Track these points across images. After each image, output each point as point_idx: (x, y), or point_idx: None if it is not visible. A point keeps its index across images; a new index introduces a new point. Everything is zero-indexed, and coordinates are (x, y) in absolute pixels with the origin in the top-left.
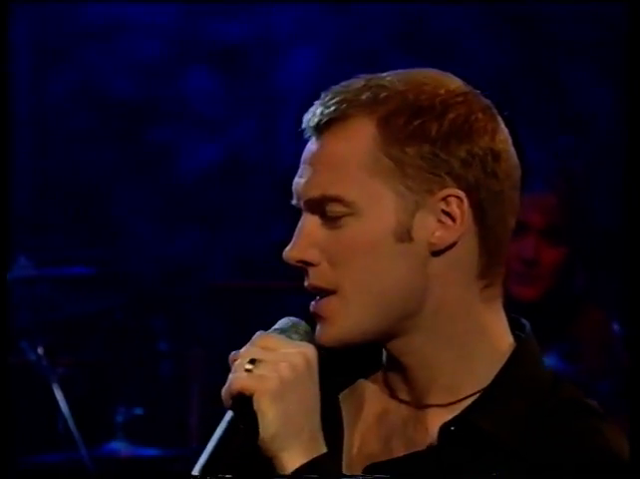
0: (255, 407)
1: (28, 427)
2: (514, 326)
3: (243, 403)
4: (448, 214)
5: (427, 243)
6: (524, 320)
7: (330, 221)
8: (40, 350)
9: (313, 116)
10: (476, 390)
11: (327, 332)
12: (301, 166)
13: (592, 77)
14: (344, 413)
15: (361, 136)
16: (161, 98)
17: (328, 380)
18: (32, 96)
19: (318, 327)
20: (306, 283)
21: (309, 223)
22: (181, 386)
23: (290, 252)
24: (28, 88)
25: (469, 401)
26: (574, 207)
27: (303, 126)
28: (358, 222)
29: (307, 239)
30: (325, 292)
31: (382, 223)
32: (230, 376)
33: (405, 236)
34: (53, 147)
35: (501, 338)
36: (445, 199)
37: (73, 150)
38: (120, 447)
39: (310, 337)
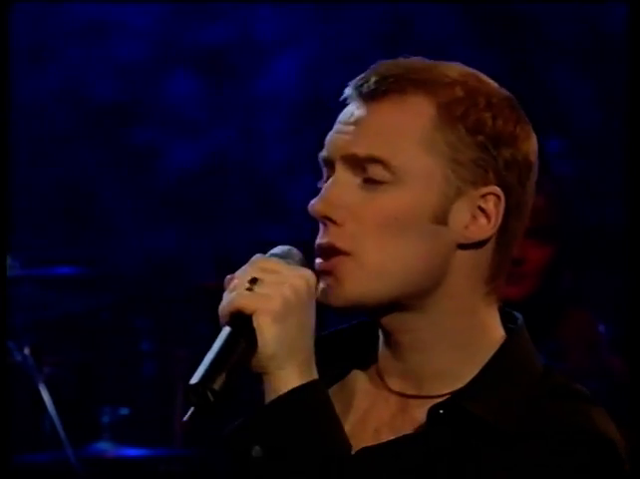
0: (255, 325)
1: (14, 427)
2: (508, 320)
3: (242, 321)
4: (483, 211)
5: (458, 234)
6: (518, 314)
7: (367, 183)
8: (26, 350)
9: (366, 82)
10: (465, 383)
11: (337, 292)
12: (341, 125)
13: (577, 78)
14: (335, 406)
15: (419, 113)
16: (145, 100)
17: (320, 372)
18: (15, 95)
19: (323, 285)
20: (322, 240)
21: (342, 180)
22: (166, 386)
23: (318, 206)
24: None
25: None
26: (562, 208)
27: (348, 90)
28: (398, 191)
29: (337, 197)
30: (340, 253)
31: (422, 198)
32: (229, 294)
33: (441, 218)
34: (37, 147)
35: (494, 334)
36: (485, 195)
37: (57, 150)
38: (105, 447)
39: (305, 265)
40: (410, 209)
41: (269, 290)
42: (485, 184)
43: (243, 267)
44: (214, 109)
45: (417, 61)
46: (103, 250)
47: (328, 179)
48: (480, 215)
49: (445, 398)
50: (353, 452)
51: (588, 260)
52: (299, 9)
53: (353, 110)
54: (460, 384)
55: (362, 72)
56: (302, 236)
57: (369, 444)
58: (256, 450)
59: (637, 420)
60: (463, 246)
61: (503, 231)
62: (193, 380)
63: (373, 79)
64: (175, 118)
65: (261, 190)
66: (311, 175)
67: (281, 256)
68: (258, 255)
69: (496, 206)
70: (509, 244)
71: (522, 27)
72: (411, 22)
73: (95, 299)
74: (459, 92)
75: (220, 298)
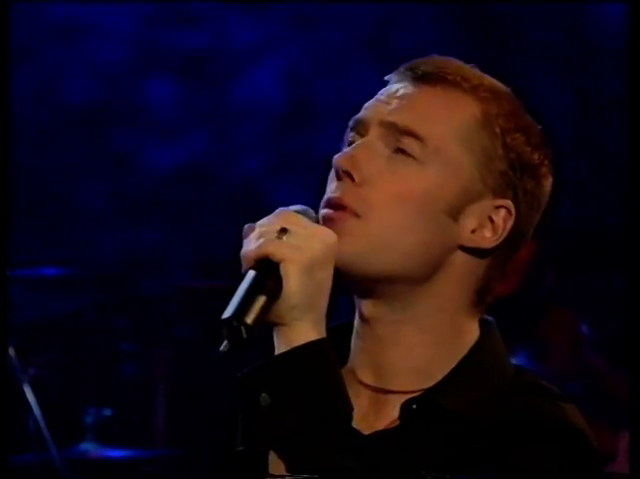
0: (282, 273)
1: None
2: (481, 324)
3: (268, 267)
4: (492, 221)
5: (463, 235)
6: (490, 318)
7: (396, 154)
8: (11, 351)
9: (421, 67)
10: (437, 380)
11: (341, 245)
12: (384, 96)
13: (552, 79)
14: None
15: (465, 110)
16: (124, 102)
17: None
18: None
19: None
20: (334, 194)
21: (373, 146)
22: (149, 387)
23: (343, 160)
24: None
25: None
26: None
27: (395, 73)
28: (423, 171)
29: (364, 158)
30: (349, 212)
31: (444, 186)
32: (255, 240)
33: (454, 213)
34: (16, 148)
35: (469, 337)
36: (499, 207)
37: (37, 151)
38: (89, 448)
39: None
40: (429, 191)
41: (300, 242)
42: (503, 197)
43: (267, 217)
44: (193, 113)
45: (469, 66)
46: (84, 251)
47: (351, 143)
48: (487, 224)
49: (417, 394)
50: None
51: (573, 262)
52: (278, 16)
53: (400, 87)
54: (432, 381)
55: (339, 78)
56: None
57: None
58: (264, 398)
59: (637, 419)
60: (462, 249)
61: (500, 251)
62: (226, 314)
63: (430, 65)
64: (155, 121)
65: (240, 191)
66: (289, 176)
67: (301, 212)
68: (282, 208)
69: (505, 221)
70: (501, 267)
71: (498, 27)
72: (390, 27)
73: (78, 300)
74: (506, 107)
75: (202, 299)
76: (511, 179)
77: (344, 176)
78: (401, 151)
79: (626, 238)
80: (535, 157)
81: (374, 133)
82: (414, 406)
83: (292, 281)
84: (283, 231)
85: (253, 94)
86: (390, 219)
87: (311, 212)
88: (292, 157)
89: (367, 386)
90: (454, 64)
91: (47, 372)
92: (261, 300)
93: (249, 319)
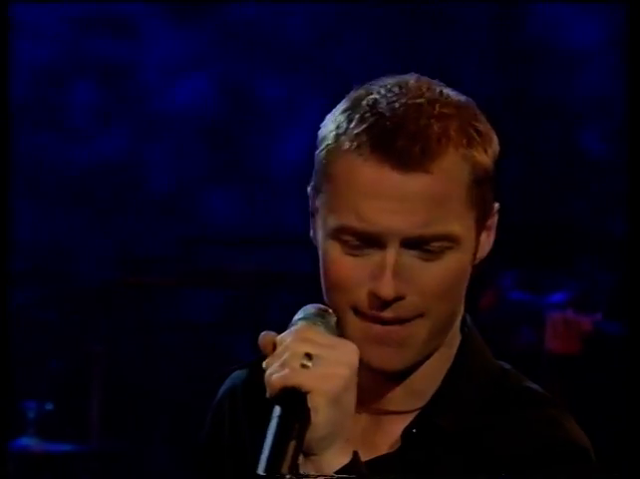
0: (311, 406)
1: None
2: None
3: (294, 398)
4: (488, 228)
5: (477, 258)
6: (466, 315)
7: (429, 254)
8: None
9: (398, 146)
10: (431, 393)
11: (400, 357)
12: (385, 202)
13: (492, 76)
14: None
15: (458, 171)
16: (45, 103)
17: None
18: None
19: (380, 352)
20: (389, 315)
21: (401, 259)
22: (84, 382)
23: (389, 293)
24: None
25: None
26: None
27: (381, 151)
28: (456, 254)
29: (402, 277)
30: (413, 317)
31: (470, 252)
32: (281, 368)
33: (476, 257)
34: None
35: (456, 339)
36: (492, 214)
37: None
38: (30, 442)
39: (338, 324)
40: (464, 267)
41: (327, 370)
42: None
43: (291, 337)
44: (117, 117)
45: (433, 96)
46: (20, 248)
47: (352, 247)
48: (484, 231)
49: (413, 413)
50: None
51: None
52: (211, 25)
53: (393, 182)
54: (426, 396)
55: (259, 99)
56: (203, 232)
57: None
58: None
59: (637, 417)
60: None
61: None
62: (261, 469)
63: (407, 140)
64: (77, 122)
65: (162, 192)
66: (219, 184)
67: (322, 322)
68: (303, 323)
69: (494, 222)
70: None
71: (441, 27)
72: (329, 31)
73: (24, 295)
74: (479, 141)
75: (132, 295)
76: (495, 182)
77: (394, 301)
78: (434, 251)
79: (626, 237)
80: (497, 146)
81: (395, 246)
82: (414, 431)
83: (321, 414)
84: (309, 356)
85: (183, 101)
86: (447, 308)
87: (329, 314)
88: (223, 164)
89: (363, 405)
90: (425, 116)
91: None
92: (292, 446)
93: (284, 470)
